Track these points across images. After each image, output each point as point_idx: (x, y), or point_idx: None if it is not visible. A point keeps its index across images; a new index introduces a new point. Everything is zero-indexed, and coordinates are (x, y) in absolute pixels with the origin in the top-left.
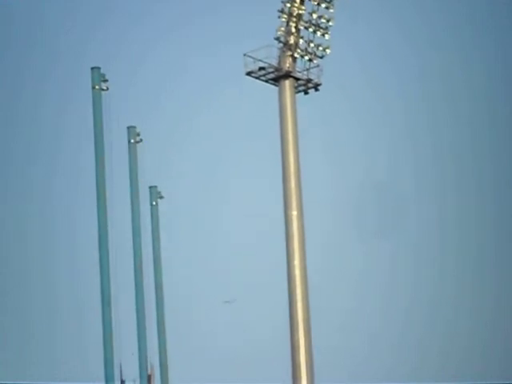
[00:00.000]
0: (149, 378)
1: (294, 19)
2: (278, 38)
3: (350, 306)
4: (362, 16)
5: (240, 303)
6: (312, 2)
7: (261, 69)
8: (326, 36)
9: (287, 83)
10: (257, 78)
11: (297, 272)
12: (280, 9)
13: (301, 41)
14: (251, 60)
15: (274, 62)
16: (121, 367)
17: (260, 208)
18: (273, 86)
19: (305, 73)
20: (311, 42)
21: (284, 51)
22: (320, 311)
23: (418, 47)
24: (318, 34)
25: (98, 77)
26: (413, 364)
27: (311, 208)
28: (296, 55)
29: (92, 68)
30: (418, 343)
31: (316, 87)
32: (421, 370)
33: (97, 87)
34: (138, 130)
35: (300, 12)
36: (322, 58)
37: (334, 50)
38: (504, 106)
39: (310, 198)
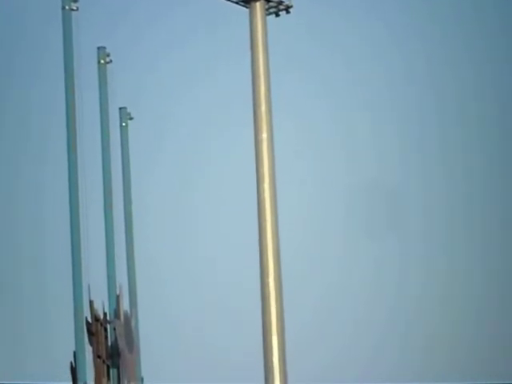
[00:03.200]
0: (117, 298)
1: None
2: None
3: (354, 306)
4: None
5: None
6: None
7: None
8: None
9: (258, 5)
10: None
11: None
12: None
13: None
14: None
15: None
16: (89, 288)
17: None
18: (244, 8)
19: None
20: None
21: None
22: (321, 311)
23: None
24: None
25: None
26: (418, 364)
27: (312, 208)
28: None
29: None
30: (422, 344)
31: (287, 9)
32: (426, 370)
33: (67, 7)
34: (107, 51)
35: None
36: None
37: None
38: None
39: (310, 197)
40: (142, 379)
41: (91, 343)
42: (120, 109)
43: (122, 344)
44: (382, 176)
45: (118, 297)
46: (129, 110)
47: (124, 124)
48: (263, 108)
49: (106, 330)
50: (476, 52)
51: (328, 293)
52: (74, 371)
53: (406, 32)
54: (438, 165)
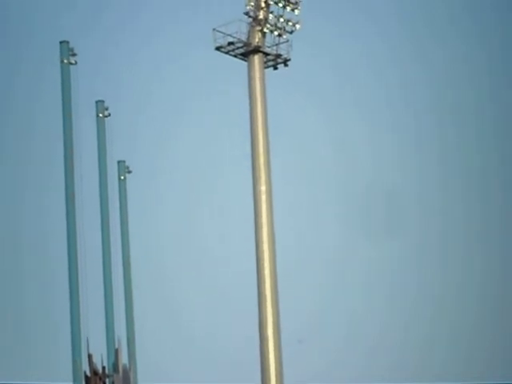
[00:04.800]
0: (116, 352)
1: None
2: (247, 13)
3: (354, 307)
4: None
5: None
6: None
7: (230, 44)
8: (296, 11)
9: (256, 58)
10: (226, 52)
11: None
12: None
13: (270, 16)
14: (221, 35)
15: (244, 37)
16: (88, 342)
17: (230, 184)
18: (242, 61)
19: (274, 48)
20: (281, 16)
21: (253, 26)
22: (320, 312)
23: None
24: (288, 8)
25: (67, 51)
26: (417, 364)
27: (309, 210)
28: (265, 30)
29: (61, 42)
30: (421, 344)
31: (285, 62)
32: (425, 370)
33: (65, 61)
34: (106, 105)
35: None
36: (291, 33)
37: (304, 25)
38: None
39: (308, 199)
40: None
41: None
42: (118, 162)
43: None
44: (379, 178)
45: (116, 350)
46: (127, 164)
47: (122, 177)
48: (262, 160)
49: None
50: (472, 53)
51: (326, 293)
52: None
53: (401, 36)
54: (436, 166)
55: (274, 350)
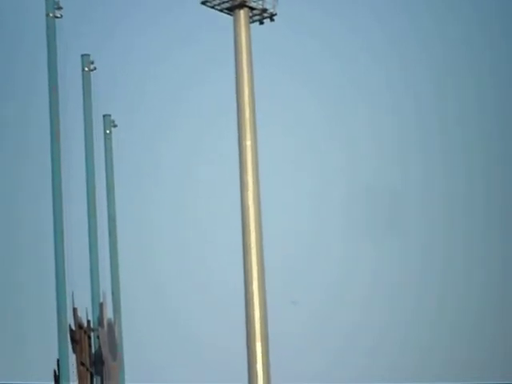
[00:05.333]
0: (101, 305)
1: None
2: None
3: (354, 306)
4: None
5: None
6: None
7: None
8: None
9: (242, 13)
10: (212, 7)
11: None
12: None
13: None
14: None
15: None
16: (73, 296)
17: (218, 134)
18: (228, 16)
19: (260, 3)
20: None
21: None
22: (321, 312)
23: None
24: None
25: (52, 4)
26: (417, 364)
27: (312, 210)
28: None
29: None
30: (422, 344)
31: (271, 17)
32: (425, 370)
33: (51, 14)
34: (91, 59)
35: None
36: None
37: None
38: None
39: (310, 199)
40: None
41: (75, 351)
42: (104, 116)
43: (105, 352)
44: (381, 177)
45: (101, 304)
46: (113, 118)
47: (108, 131)
48: (247, 114)
49: (89, 337)
50: (476, 53)
51: (328, 293)
52: (57, 379)
53: (405, 34)
54: (438, 166)
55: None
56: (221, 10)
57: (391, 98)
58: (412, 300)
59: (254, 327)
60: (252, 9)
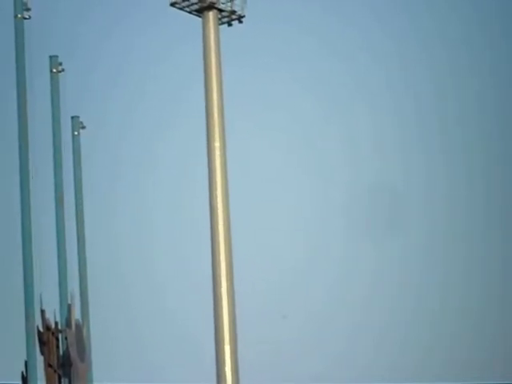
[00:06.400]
0: (69, 307)
1: None
2: None
3: (355, 306)
4: None
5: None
6: None
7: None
8: None
9: (211, 14)
10: (180, 8)
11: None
12: None
13: None
14: None
15: None
16: (41, 297)
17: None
18: (197, 18)
19: (229, 4)
20: None
21: None
22: (322, 312)
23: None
24: None
25: (21, 5)
26: (417, 364)
27: (313, 210)
28: None
29: None
30: (422, 344)
31: (240, 19)
32: (426, 370)
33: (19, 16)
34: (59, 60)
35: None
36: None
37: None
38: None
39: (311, 199)
40: None
41: (42, 352)
42: (72, 118)
43: (73, 353)
44: (382, 178)
45: (69, 306)
46: (81, 119)
47: (76, 133)
48: (216, 116)
49: (57, 339)
50: (476, 53)
51: (328, 293)
52: (25, 380)
53: (406, 35)
54: (439, 166)
55: (231, 361)
56: (190, 12)
57: (391, 98)
58: (412, 300)
59: (222, 332)
60: (221, 11)
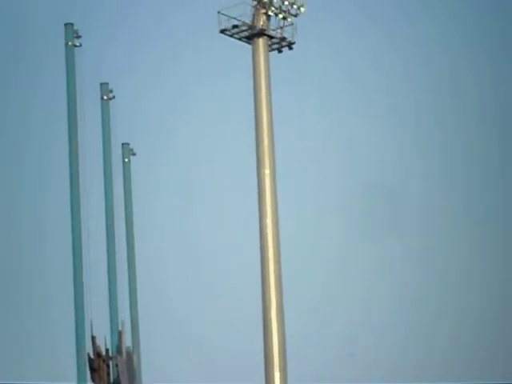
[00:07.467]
0: (119, 334)
1: None
2: None
3: (355, 306)
4: None
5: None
6: None
7: (234, 27)
8: None
9: (261, 41)
10: (230, 35)
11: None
12: None
13: None
14: (225, 18)
15: (248, 20)
16: (91, 324)
17: (234, 170)
18: (247, 45)
19: (279, 31)
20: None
21: (258, 9)
22: (321, 312)
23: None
24: None
25: (72, 33)
26: (417, 364)
27: (310, 210)
28: (270, 13)
29: (65, 24)
30: (421, 344)
31: (290, 46)
32: (426, 370)
33: (70, 43)
34: (110, 87)
35: None
36: (296, 16)
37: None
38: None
39: (309, 199)
40: None
41: (93, 379)
42: (122, 144)
43: (124, 380)
44: (380, 178)
45: (120, 333)
46: (131, 146)
47: (126, 160)
48: (266, 142)
49: (108, 366)
50: (474, 55)
51: (327, 293)
52: None
53: (404, 37)
54: (437, 166)
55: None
56: (239, 39)
57: (390, 100)
58: (412, 300)
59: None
60: (271, 37)
